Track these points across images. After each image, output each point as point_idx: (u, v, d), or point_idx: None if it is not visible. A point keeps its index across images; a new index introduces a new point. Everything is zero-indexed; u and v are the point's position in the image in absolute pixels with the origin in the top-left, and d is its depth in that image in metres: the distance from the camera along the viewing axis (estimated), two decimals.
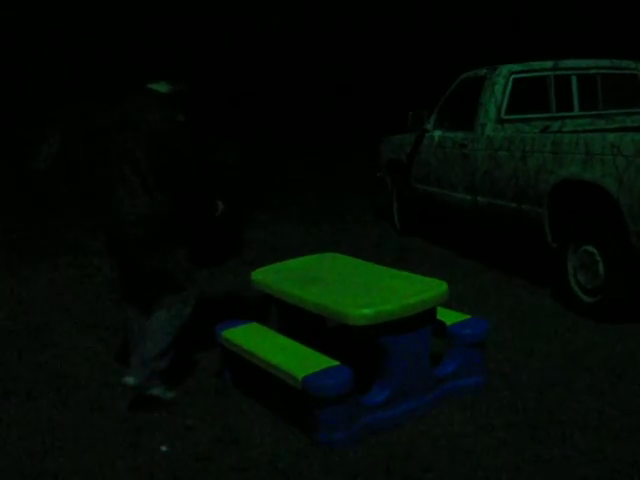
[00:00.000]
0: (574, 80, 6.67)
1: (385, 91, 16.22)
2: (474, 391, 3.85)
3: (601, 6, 15.85)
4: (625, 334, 4.71)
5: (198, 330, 5.07)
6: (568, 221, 5.31)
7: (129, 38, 14.49)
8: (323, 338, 3.96)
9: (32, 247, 8.12)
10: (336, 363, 3.44)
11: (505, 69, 6.47)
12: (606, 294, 4.94)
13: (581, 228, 5.17)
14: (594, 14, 15.80)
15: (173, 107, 3.91)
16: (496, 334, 4.65)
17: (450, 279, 4.95)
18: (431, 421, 3.57)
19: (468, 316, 4.06)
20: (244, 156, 4.73)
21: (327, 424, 3.32)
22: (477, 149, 6.38)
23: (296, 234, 8.58)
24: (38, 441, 3.53)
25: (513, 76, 6.44)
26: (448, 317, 3.98)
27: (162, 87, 3.92)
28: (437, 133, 7.33)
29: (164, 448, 3.43)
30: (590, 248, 5.07)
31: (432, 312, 3.63)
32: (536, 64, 6.59)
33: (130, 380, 3.97)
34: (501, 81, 6.41)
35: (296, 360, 3.53)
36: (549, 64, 6.61)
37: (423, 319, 3.55)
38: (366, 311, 3.34)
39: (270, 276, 4.09)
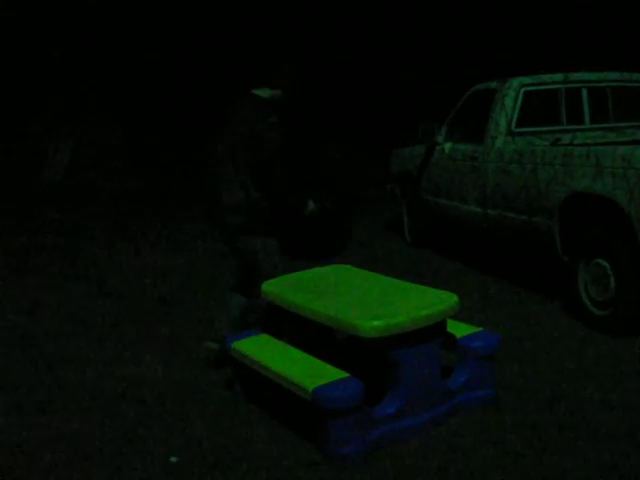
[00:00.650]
0: (585, 93, 6.68)
1: (395, 103, 16.32)
2: (484, 404, 3.84)
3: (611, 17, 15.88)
4: (635, 348, 4.68)
5: (206, 340, 5.10)
6: (579, 234, 5.31)
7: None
8: (333, 350, 3.96)
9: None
10: (346, 375, 3.44)
11: (516, 82, 6.48)
12: (617, 307, 4.93)
13: (592, 241, 5.16)
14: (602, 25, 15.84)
15: (270, 111, 4.39)
16: (506, 347, 4.64)
17: (461, 291, 4.95)
18: (441, 434, 3.57)
19: (479, 329, 4.05)
20: (341, 155, 5.21)
21: (337, 436, 3.32)
22: (488, 161, 6.39)
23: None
24: (48, 450, 3.54)
25: (524, 89, 6.45)
26: (459, 330, 3.98)
27: (264, 92, 4.45)
28: (447, 145, 7.34)
29: (174, 459, 3.44)
30: (601, 261, 5.06)
31: (443, 324, 3.63)
32: (547, 77, 6.60)
33: (212, 345, 4.60)
34: (512, 94, 6.42)
35: (306, 372, 3.54)
36: (560, 77, 6.62)
37: (434, 331, 3.55)
38: (377, 323, 3.34)
39: (280, 288, 4.09)
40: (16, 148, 15.61)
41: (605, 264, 5.02)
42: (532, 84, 6.51)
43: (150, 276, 7.19)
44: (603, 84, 6.77)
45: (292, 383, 3.49)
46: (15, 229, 9.99)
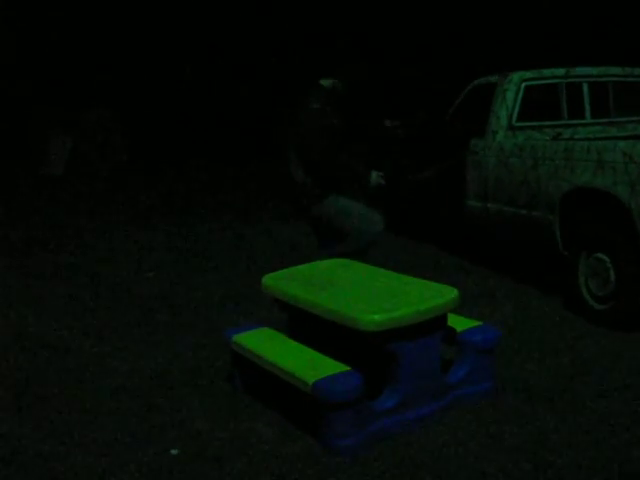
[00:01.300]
0: (585, 87, 6.67)
1: (395, 96, 16.52)
2: (484, 398, 3.85)
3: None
4: (636, 342, 4.69)
5: (208, 334, 5.11)
6: (579, 228, 5.31)
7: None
8: (334, 343, 3.97)
9: None
10: (347, 368, 3.45)
11: (517, 76, 6.47)
12: (617, 301, 4.93)
13: (592, 235, 5.16)
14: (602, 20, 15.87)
15: (327, 100, 4.98)
16: (506, 341, 4.65)
17: (461, 285, 4.96)
18: (441, 428, 3.58)
19: (479, 323, 4.06)
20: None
21: (337, 429, 3.33)
22: (488, 156, 6.39)
23: (305, 239, 8.59)
24: (50, 442, 3.55)
25: (525, 83, 6.44)
26: (459, 323, 3.98)
27: (326, 82, 5.02)
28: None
29: (174, 451, 3.45)
30: (601, 255, 5.06)
31: (443, 318, 3.64)
32: (548, 71, 6.59)
33: None
34: (513, 88, 6.42)
35: (306, 365, 3.54)
36: (561, 71, 6.61)
37: (434, 325, 3.55)
38: (377, 317, 3.35)
39: (281, 281, 4.10)
40: (16, 142, 15.64)
41: (605, 258, 5.03)
42: (533, 78, 6.50)
43: (153, 269, 7.20)
44: (604, 79, 6.76)
45: (292, 376, 3.50)
46: (12, 225, 10.01)
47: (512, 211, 6.04)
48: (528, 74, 6.51)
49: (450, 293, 3.66)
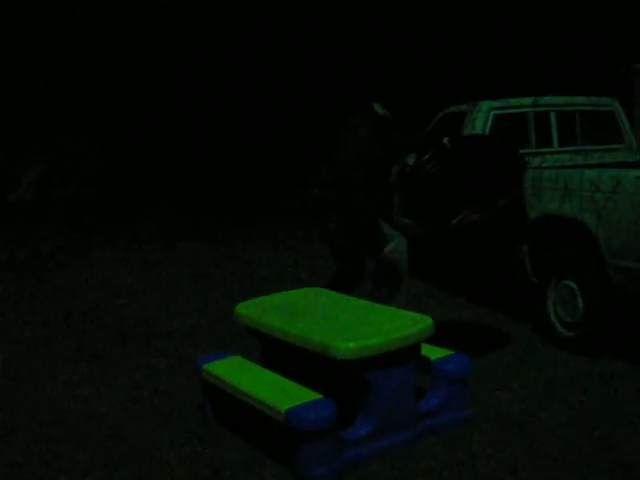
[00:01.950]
0: (553, 116, 6.79)
1: None
2: (457, 426, 3.86)
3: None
4: (603, 368, 4.75)
5: (179, 363, 5.06)
6: (548, 256, 5.37)
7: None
8: (307, 372, 3.95)
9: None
10: (319, 397, 3.44)
11: (485, 105, 6.57)
12: (585, 328, 4.99)
13: (561, 263, 5.23)
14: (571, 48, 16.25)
15: (388, 126, 4.81)
16: (478, 368, 4.67)
17: (434, 314, 4.95)
18: (414, 456, 3.57)
19: (451, 352, 4.07)
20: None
21: (310, 458, 3.31)
22: None
23: (278, 266, 8.58)
24: (16, 471, 3.48)
25: (493, 112, 6.54)
26: (432, 352, 3.99)
27: (379, 109, 4.82)
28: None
29: None
30: (569, 283, 5.13)
31: (417, 347, 3.65)
32: (516, 100, 6.71)
33: None
34: (482, 117, 6.51)
35: (279, 393, 3.52)
36: (529, 100, 6.73)
37: (407, 354, 3.56)
38: (351, 345, 3.35)
39: (254, 310, 4.09)
40: None
41: (573, 285, 5.09)
42: (501, 107, 6.60)
43: (123, 296, 7.12)
44: (571, 108, 6.89)
45: (264, 404, 3.48)
46: None
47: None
48: (497, 103, 6.61)
49: (424, 322, 3.67)
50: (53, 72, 17.34)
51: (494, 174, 4.85)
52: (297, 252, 9.28)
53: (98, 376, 4.84)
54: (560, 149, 6.82)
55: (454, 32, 17.71)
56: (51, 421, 4.12)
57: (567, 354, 5.06)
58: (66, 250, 9.70)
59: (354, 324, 3.66)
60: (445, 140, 4.95)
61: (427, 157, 4.91)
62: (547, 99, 6.81)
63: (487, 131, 6.49)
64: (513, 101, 6.69)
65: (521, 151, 6.63)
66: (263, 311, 4.03)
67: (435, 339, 3.80)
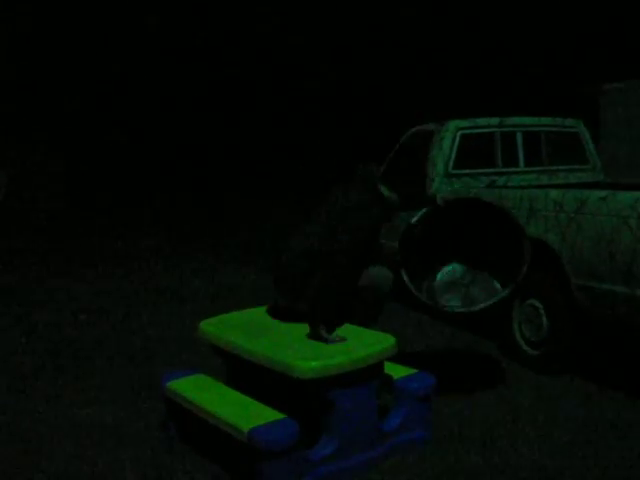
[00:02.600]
0: (519, 137, 6.88)
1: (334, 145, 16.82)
2: (420, 445, 3.85)
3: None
4: (567, 387, 4.78)
5: (142, 381, 5.00)
6: None
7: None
8: (270, 391, 3.93)
9: None
10: (282, 416, 3.41)
11: (453, 124, 6.63)
12: (549, 347, 5.03)
13: (525, 282, 5.27)
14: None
15: (389, 212, 4.50)
16: (442, 387, 4.68)
17: (398, 333, 4.98)
18: (377, 476, 3.56)
19: (415, 370, 4.07)
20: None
21: (273, 478, 3.28)
22: None
23: (246, 282, 8.55)
24: None
25: (461, 132, 6.61)
26: (395, 371, 3.99)
27: (385, 191, 4.52)
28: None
29: None
30: (534, 302, 5.17)
31: (380, 366, 3.64)
32: (483, 120, 6.78)
33: None
34: (449, 136, 6.57)
35: (242, 413, 3.49)
36: (495, 120, 6.81)
37: (370, 373, 3.55)
38: (313, 364, 3.33)
39: (217, 327, 4.05)
40: None
41: (538, 304, 5.14)
42: (469, 127, 6.67)
43: (86, 312, 7.04)
44: (537, 128, 6.99)
45: (227, 424, 3.44)
46: None
47: None
48: (464, 123, 6.68)
49: (387, 341, 3.67)
50: (26, 81, 17.21)
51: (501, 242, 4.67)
52: (265, 269, 9.26)
53: (59, 393, 4.76)
54: (526, 169, 6.90)
55: (425, 52, 17.92)
56: (7, 440, 4.04)
57: (532, 373, 5.09)
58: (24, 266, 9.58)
59: (317, 343, 3.64)
60: (439, 199, 4.72)
61: (418, 218, 4.66)
62: (513, 119, 6.90)
63: (454, 150, 6.55)
64: (480, 121, 6.76)
65: (488, 170, 6.73)
66: (226, 328, 4.01)
67: (399, 358, 3.80)
